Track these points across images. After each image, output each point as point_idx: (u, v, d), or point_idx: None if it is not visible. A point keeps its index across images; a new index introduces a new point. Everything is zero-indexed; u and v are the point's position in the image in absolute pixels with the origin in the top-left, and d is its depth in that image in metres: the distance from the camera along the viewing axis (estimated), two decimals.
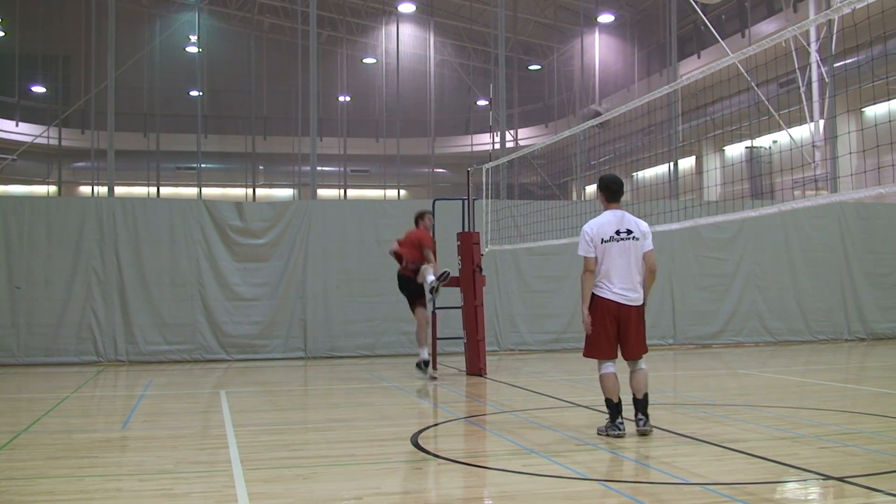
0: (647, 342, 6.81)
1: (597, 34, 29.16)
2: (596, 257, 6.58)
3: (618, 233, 6.57)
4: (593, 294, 6.61)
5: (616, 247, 6.55)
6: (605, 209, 6.76)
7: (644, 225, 6.72)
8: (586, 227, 6.68)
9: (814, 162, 14.60)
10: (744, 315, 15.49)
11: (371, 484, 5.18)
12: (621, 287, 6.53)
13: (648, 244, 6.66)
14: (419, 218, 11.11)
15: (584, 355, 6.74)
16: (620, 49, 30.77)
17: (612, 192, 6.74)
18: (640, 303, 6.64)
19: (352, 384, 10.91)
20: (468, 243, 11.56)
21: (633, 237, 6.60)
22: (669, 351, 14.73)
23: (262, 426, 7.57)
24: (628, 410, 6.64)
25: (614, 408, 6.52)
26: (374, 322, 14.21)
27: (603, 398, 6.63)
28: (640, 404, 6.55)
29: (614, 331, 6.55)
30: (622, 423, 6.51)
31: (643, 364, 6.66)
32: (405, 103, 32.19)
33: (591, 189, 31.40)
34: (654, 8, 28.56)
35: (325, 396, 10.15)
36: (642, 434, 6.48)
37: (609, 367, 6.59)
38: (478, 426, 7.57)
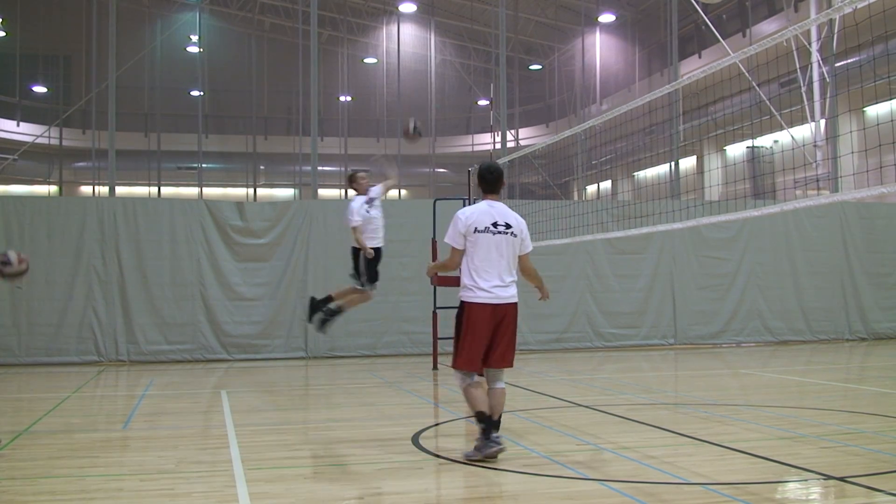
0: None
1: (597, 34, 29.16)
2: (464, 250, 5.83)
3: (495, 225, 5.83)
4: (465, 301, 5.79)
5: (491, 240, 5.80)
6: (483, 199, 6.00)
7: (524, 223, 6.01)
8: (460, 213, 5.91)
9: (815, 161, 14.57)
10: (745, 315, 15.48)
11: (371, 484, 5.18)
12: (495, 285, 5.75)
13: (528, 245, 6.01)
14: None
15: (456, 367, 5.82)
16: (621, 49, 30.74)
17: (488, 182, 5.98)
18: (516, 300, 5.89)
19: (352, 384, 10.92)
20: None
21: (512, 233, 5.88)
22: (670, 351, 14.69)
23: (263, 426, 7.57)
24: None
25: (488, 420, 5.72)
26: (374, 322, 14.21)
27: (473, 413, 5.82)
28: (496, 424, 5.74)
29: (488, 340, 5.76)
30: (499, 437, 5.74)
31: (502, 382, 5.92)
32: (406, 103, 32.17)
33: (592, 189, 31.42)
34: (654, 8, 28.53)
35: (326, 396, 10.16)
36: (493, 456, 5.64)
37: (475, 378, 5.85)
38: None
